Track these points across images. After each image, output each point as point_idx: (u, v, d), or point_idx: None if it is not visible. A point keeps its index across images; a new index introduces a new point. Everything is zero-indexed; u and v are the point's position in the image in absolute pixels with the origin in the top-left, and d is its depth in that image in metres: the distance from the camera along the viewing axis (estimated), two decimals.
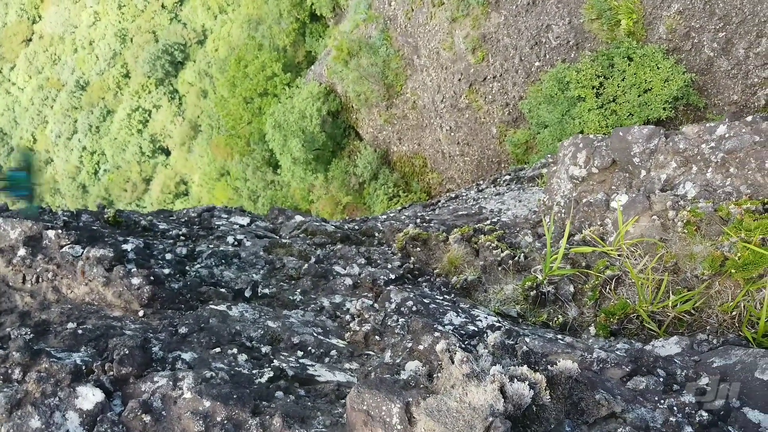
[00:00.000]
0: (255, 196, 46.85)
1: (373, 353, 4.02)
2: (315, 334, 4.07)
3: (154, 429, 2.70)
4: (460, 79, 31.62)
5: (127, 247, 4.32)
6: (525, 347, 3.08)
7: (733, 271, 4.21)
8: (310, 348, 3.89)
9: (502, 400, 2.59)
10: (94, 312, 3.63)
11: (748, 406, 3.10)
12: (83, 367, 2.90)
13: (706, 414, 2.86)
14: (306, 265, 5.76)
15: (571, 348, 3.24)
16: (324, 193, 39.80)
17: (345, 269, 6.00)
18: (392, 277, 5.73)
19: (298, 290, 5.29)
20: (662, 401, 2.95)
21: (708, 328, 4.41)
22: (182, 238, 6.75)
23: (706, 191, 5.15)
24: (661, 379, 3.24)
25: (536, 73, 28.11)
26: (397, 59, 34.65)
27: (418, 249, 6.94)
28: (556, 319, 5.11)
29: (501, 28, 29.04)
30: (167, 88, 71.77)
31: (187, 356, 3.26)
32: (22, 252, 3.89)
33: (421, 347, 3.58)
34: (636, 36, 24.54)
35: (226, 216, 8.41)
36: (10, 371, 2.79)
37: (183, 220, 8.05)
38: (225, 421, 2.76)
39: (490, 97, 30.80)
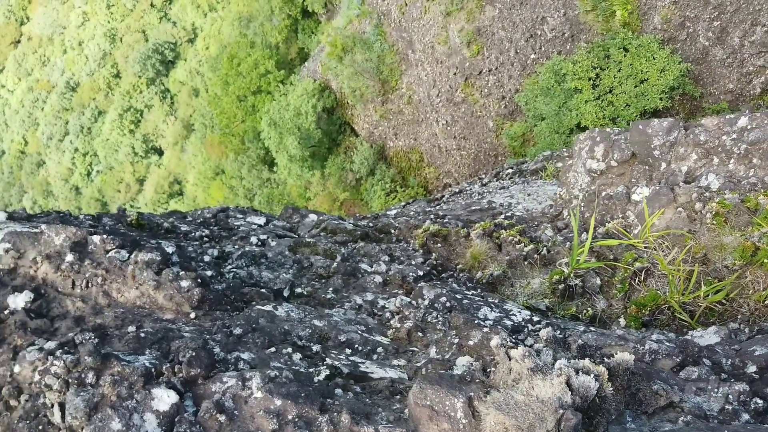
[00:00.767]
0: (251, 195, 46.85)
1: (416, 349, 4.09)
2: (359, 332, 4.14)
3: (229, 428, 2.77)
4: (455, 73, 31.69)
5: (170, 250, 4.37)
6: (580, 340, 3.16)
7: (765, 260, 4.30)
8: (357, 345, 3.96)
9: (570, 392, 2.67)
10: (147, 315, 3.69)
11: None
12: (152, 370, 2.96)
13: (761, 401, 2.95)
14: (335, 263, 5.82)
15: (624, 340, 3.32)
16: (321, 189, 39.85)
17: (372, 267, 6.07)
18: (420, 273, 5.81)
19: (330, 289, 5.36)
20: (716, 390, 3.04)
21: (739, 317, 4.51)
22: (206, 239, 6.80)
23: (730, 183, 5.24)
24: (708, 369, 3.33)
25: (532, 66, 28.20)
26: (391, 54, 34.69)
27: (439, 245, 7.02)
28: (585, 311, 5.19)
29: (496, 21, 29.10)
30: (158, 87, 71.52)
31: (246, 356, 3.32)
32: (70, 257, 3.94)
33: (470, 343, 3.66)
34: (631, 27, 24.67)
35: (241, 216, 8.45)
36: (83, 375, 2.85)
37: (199, 221, 8.09)
38: (296, 419, 2.83)
39: (486, 90, 30.89)
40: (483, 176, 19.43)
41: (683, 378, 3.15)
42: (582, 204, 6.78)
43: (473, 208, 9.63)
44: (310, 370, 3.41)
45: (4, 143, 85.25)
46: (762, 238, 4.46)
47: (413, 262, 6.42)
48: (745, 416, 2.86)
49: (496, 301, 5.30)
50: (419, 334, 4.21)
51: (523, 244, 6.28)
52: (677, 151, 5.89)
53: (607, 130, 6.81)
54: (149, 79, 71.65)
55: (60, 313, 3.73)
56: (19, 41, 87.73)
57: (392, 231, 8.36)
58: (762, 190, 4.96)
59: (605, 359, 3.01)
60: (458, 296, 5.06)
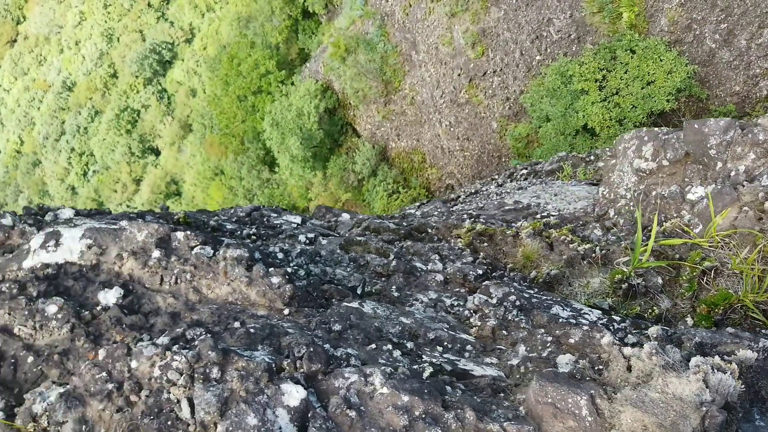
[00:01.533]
0: (251, 195, 46.72)
1: (503, 347, 4.07)
2: (445, 329, 4.12)
3: (360, 424, 2.74)
4: (459, 74, 31.71)
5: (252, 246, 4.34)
6: (696, 338, 3.15)
7: None
8: (446, 343, 3.94)
9: (708, 390, 2.65)
10: (241, 311, 3.66)
11: None
12: (273, 365, 2.93)
13: None
14: (393, 261, 5.80)
15: (738, 338, 3.31)
16: (322, 190, 39.79)
17: (426, 265, 6.05)
18: (479, 272, 5.79)
19: (393, 287, 5.33)
20: None
21: None
22: (253, 237, 6.77)
23: None
24: None
25: (537, 67, 28.25)
26: (394, 55, 34.69)
27: (485, 244, 7.00)
28: (650, 311, 5.19)
29: (501, 23, 29.15)
30: (156, 87, 71.27)
31: (352, 352, 3.30)
32: (156, 254, 3.91)
33: (571, 341, 3.64)
34: (638, 28, 24.75)
35: (276, 215, 8.43)
36: (207, 370, 2.81)
37: (233, 219, 8.06)
38: (424, 415, 2.81)
39: (490, 91, 30.91)
40: (496, 177, 19.44)
41: None
42: (631, 203, 6.78)
43: (506, 207, 9.61)
44: (414, 366, 3.39)
45: (0, 143, 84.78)
46: None
47: (464, 261, 6.41)
48: None
49: (559, 299, 5.29)
50: (503, 332, 4.19)
51: (576, 243, 6.27)
52: (734, 150, 5.90)
53: (655, 129, 6.82)
54: (146, 79, 71.40)
55: (151, 309, 3.69)
56: (15, 40, 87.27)
57: (429, 230, 8.34)
58: None
59: (725, 357, 3.00)
60: (525, 295, 5.05)
